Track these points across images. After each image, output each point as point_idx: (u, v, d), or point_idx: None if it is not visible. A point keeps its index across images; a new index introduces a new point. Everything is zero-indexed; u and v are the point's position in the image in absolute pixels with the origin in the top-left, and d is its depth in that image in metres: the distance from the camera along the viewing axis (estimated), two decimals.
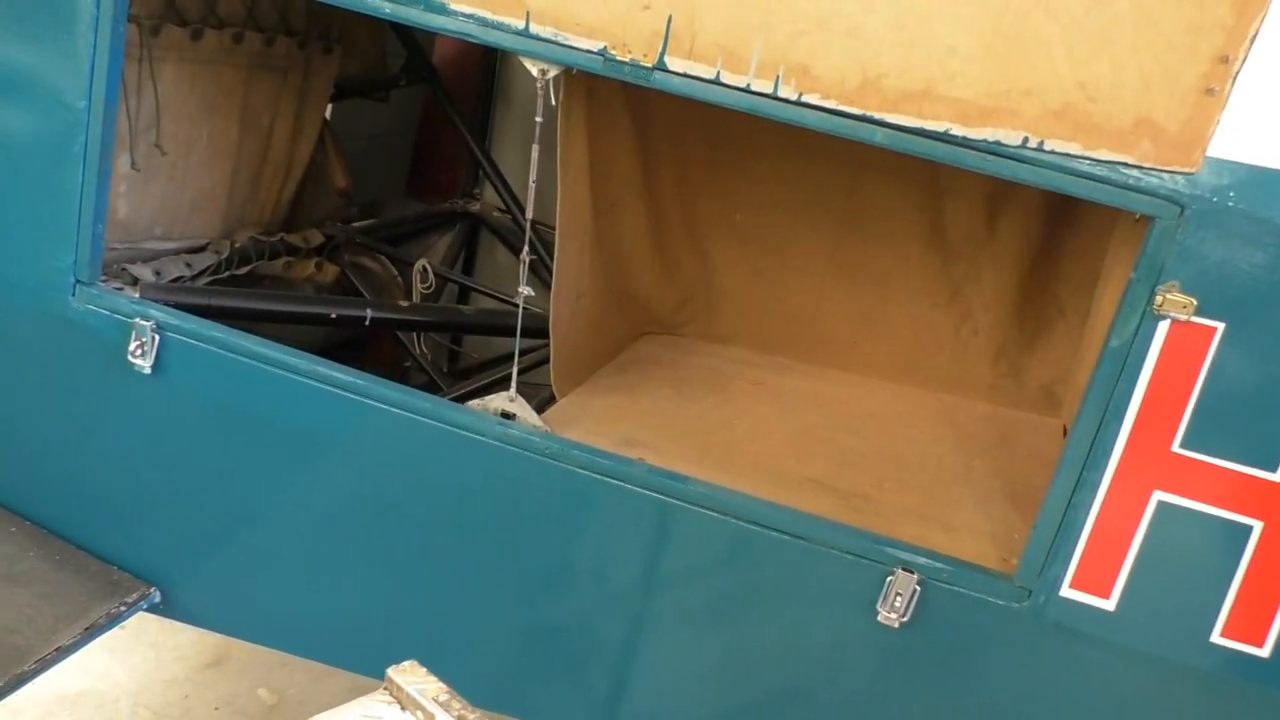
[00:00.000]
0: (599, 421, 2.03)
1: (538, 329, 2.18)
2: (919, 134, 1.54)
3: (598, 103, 2.02)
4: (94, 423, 2.15)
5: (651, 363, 2.38)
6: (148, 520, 2.18)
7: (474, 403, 1.93)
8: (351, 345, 3.29)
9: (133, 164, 2.23)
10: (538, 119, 1.78)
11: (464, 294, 3.60)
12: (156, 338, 1.99)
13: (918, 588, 1.69)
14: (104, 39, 1.88)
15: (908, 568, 1.70)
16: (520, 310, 1.92)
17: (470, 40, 1.74)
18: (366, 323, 2.49)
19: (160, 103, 2.21)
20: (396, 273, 3.16)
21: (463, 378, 3.44)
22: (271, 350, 1.95)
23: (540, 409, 1.97)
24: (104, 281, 2.08)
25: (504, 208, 3.53)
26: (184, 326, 2.00)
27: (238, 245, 2.61)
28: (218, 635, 2.29)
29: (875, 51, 1.52)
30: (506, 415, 1.90)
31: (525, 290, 1.91)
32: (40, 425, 2.21)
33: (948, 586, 1.70)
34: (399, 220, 3.32)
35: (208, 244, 2.58)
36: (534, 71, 1.72)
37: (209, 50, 2.29)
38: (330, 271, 2.92)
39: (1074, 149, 1.50)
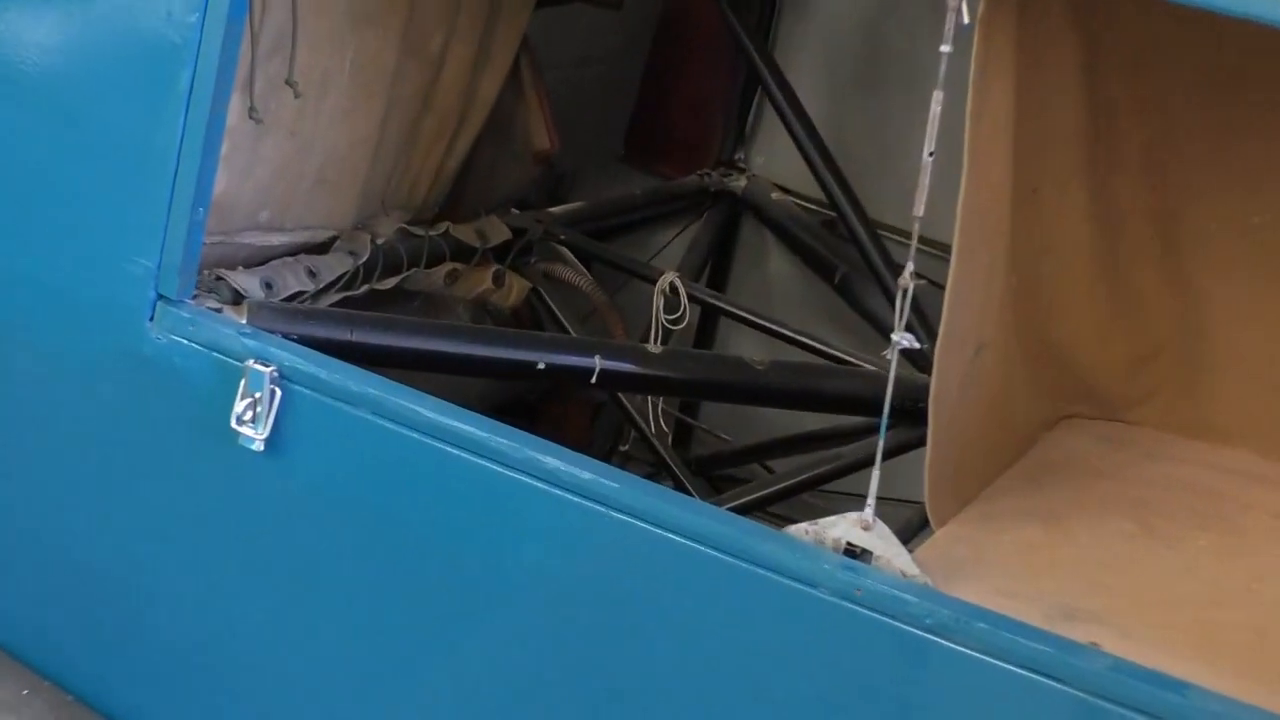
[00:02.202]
0: (1010, 572, 2.00)
1: (867, 399, 2.17)
2: None
3: (1031, 24, 2.00)
4: (163, 530, 2.30)
5: (1089, 470, 2.34)
6: (231, 689, 2.32)
7: (800, 529, 1.90)
8: (519, 406, 3.39)
9: (250, 110, 2.35)
10: (944, 48, 1.76)
11: (705, 324, 3.64)
12: (276, 392, 2.10)
13: None
14: None
15: None
16: (892, 376, 1.92)
17: None
18: (593, 379, 2.56)
19: (297, 15, 2.35)
20: (599, 289, 3.24)
21: (705, 473, 3.48)
22: (465, 424, 2.02)
23: (903, 540, 1.94)
24: (196, 298, 2.21)
25: (786, 187, 3.56)
26: (322, 378, 2.09)
27: (381, 242, 2.73)
28: None
29: None
30: (852, 552, 1.90)
31: (902, 339, 1.90)
32: (73, 530, 2.38)
33: None
34: (622, 204, 3.41)
35: (336, 238, 2.72)
36: None
37: None
38: (516, 288, 3.03)
39: None
